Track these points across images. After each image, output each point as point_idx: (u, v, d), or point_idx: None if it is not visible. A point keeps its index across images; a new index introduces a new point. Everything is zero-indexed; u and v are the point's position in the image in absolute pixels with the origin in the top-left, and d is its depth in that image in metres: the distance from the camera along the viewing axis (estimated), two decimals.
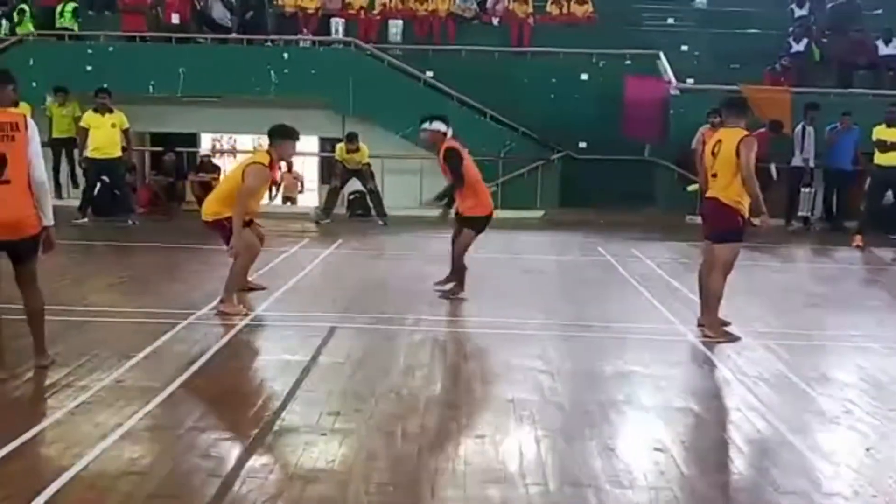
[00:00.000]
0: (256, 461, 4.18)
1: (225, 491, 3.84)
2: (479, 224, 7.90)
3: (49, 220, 5.27)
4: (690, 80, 15.61)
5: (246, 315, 6.92)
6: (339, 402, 5.02)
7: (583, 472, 4.19)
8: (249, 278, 7.86)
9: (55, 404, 4.85)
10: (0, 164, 4.98)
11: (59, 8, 15.86)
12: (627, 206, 14.77)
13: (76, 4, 16.09)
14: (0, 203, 5.00)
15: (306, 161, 17.94)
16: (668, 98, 15.08)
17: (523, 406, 5.04)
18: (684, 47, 17.13)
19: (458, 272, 8.00)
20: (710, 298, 6.73)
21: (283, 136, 7.39)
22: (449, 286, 8.02)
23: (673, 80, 15.24)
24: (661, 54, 15.81)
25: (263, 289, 7.80)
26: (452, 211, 8.13)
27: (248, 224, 7.50)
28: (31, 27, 16.78)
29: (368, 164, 13.72)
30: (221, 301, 7.03)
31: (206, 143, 18.49)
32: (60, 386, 5.15)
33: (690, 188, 12.55)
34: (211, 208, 7.38)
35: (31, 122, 5.20)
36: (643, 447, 4.53)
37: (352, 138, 13.53)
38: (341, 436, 4.51)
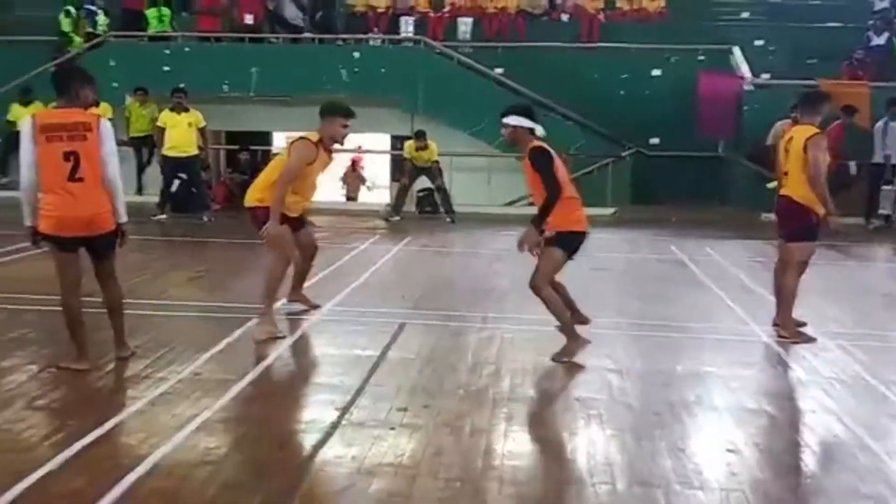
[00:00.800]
0: (326, 454, 4.26)
1: (295, 483, 3.92)
2: (569, 242, 6.02)
3: (122, 217, 5.40)
4: (766, 76, 15.28)
5: (283, 338, 6.26)
6: (407, 398, 5.07)
7: (652, 472, 4.15)
8: (306, 286, 7.19)
9: (135, 395, 5.01)
10: (74, 162, 5.12)
11: (152, 12, 16.40)
12: (700, 203, 14.54)
13: (170, 10, 16.63)
14: (75, 200, 5.15)
15: (377, 159, 18.10)
16: (742, 94, 14.79)
17: (591, 405, 5.02)
18: (759, 42, 16.75)
19: (559, 314, 5.98)
20: (783, 298, 6.60)
21: (329, 112, 6.51)
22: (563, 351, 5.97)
23: (747, 75, 14.94)
24: (736, 49, 15.52)
25: (316, 307, 7.10)
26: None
27: (298, 226, 6.71)
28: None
29: (437, 162, 13.78)
30: (261, 315, 6.31)
31: (279, 141, 18.81)
32: (140, 377, 5.32)
33: (770, 186, 12.28)
34: (254, 194, 6.53)
35: (104, 123, 5.31)
36: (715, 448, 4.47)
37: (420, 136, 13.60)
38: (409, 431, 4.56)
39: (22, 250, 8.78)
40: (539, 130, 6.03)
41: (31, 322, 6.45)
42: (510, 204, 15.31)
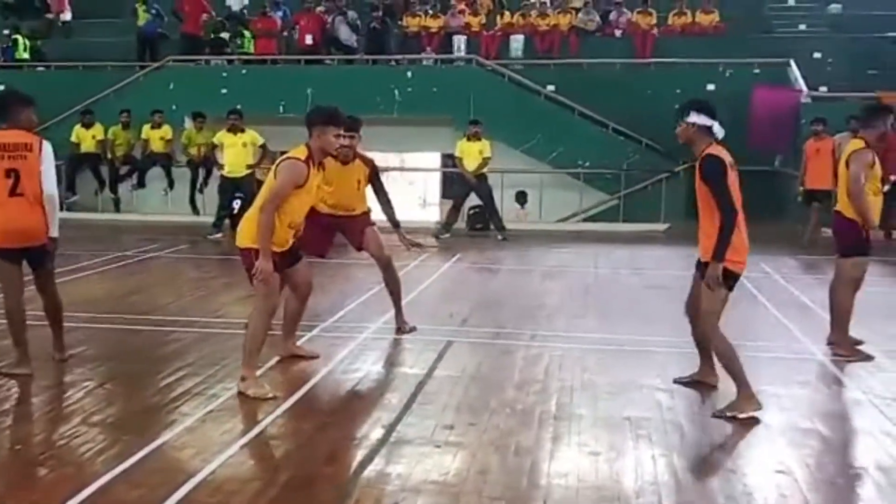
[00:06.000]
0: (373, 471, 4.29)
1: (342, 499, 3.95)
2: (728, 278, 5.16)
3: (53, 232, 5.74)
4: (823, 88, 15.04)
5: (275, 398, 5.32)
6: (453, 416, 5.08)
7: (700, 492, 4.11)
8: (300, 340, 6.45)
9: (187, 411, 5.11)
10: (14, 179, 5.51)
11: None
12: (756, 219, 14.23)
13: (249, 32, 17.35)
14: (16, 214, 5.54)
15: (428, 177, 18.16)
16: (799, 107, 14.56)
17: (640, 424, 4.97)
18: (817, 54, 16.51)
19: (730, 365, 5.17)
20: (838, 315, 6.47)
21: (321, 122, 5.46)
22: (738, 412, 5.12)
23: (804, 88, 14.71)
24: (792, 62, 15.30)
25: (315, 357, 6.25)
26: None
27: (292, 261, 5.72)
28: (25, 55, 18.13)
29: (488, 160, 13.48)
30: (242, 379, 5.39)
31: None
32: (192, 394, 5.43)
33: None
34: (246, 232, 5.45)
35: (45, 145, 5.70)
36: (765, 469, 4.39)
37: (475, 122, 13.51)
38: (455, 449, 4.57)
39: (77, 270, 9.07)
40: (717, 130, 5.18)
41: (87, 340, 6.64)
42: (562, 220, 15.28)
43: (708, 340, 5.27)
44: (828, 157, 12.05)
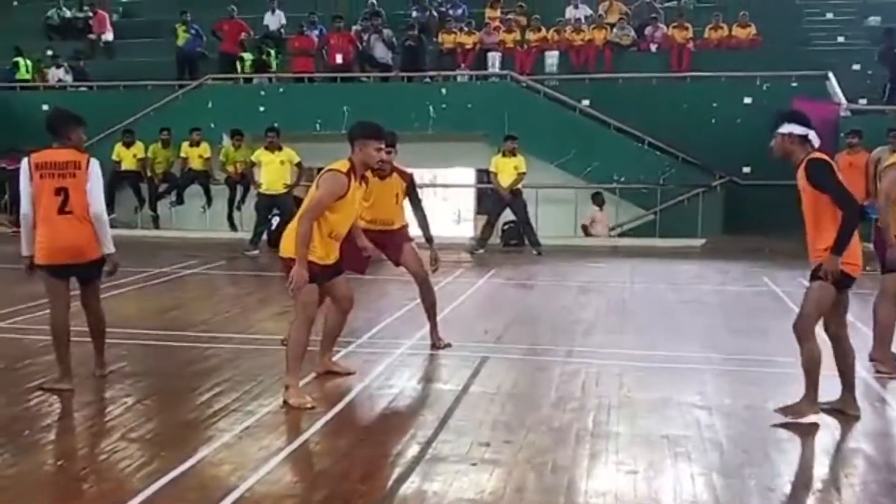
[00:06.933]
0: (408, 489, 4.28)
1: None
2: (839, 279, 5.13)
3: (109, 249, 5.81)
4: (863, 101, 14.83)
5: (313, 409, 5.46)
6: (489, 433, 5.06)
7: None
8: (336, 356, 6.51)
9: (224, 427, 5.14)
10: (64, 197, 5.61)
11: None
12: (795, 233, 14.08)
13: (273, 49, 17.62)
14: (65, 231, 5.64)
15: (462, 192, 18.22)
16: (838, 120, 14.36)
17: (678, 442, 4.91)
18: (856, 66, 16.31)
19: (810, 370, 5.23)
20: (880, 331, 6.36)
21: (363, 136, 5.60)
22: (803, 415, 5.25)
23: (843, 101, 14.52)
24: (831, 74, 15.12)
25: (351, 373, 6.31)
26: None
27: (333, 274, 5.83)
28: (27, 76, 18.65)
29: (523, 174, 13.56)
30: (286, 388, 5.57)
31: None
32: (229, 410, 5.47)
33: None
34: (288, 243, 5.57)
35: (93, 163, 5.77)
36: (807, 489, 4.32)
37: (511, 137, 13.56)
38: (491, 466, 4.55)
39: (117, 286, 9.19)
40: (813, 138, 5.19)
41: (127, 356, 6.73)
42: (598, 235, 15.19)
43: (799, 339, 5.19)
44: (860, 171, 11.80)
